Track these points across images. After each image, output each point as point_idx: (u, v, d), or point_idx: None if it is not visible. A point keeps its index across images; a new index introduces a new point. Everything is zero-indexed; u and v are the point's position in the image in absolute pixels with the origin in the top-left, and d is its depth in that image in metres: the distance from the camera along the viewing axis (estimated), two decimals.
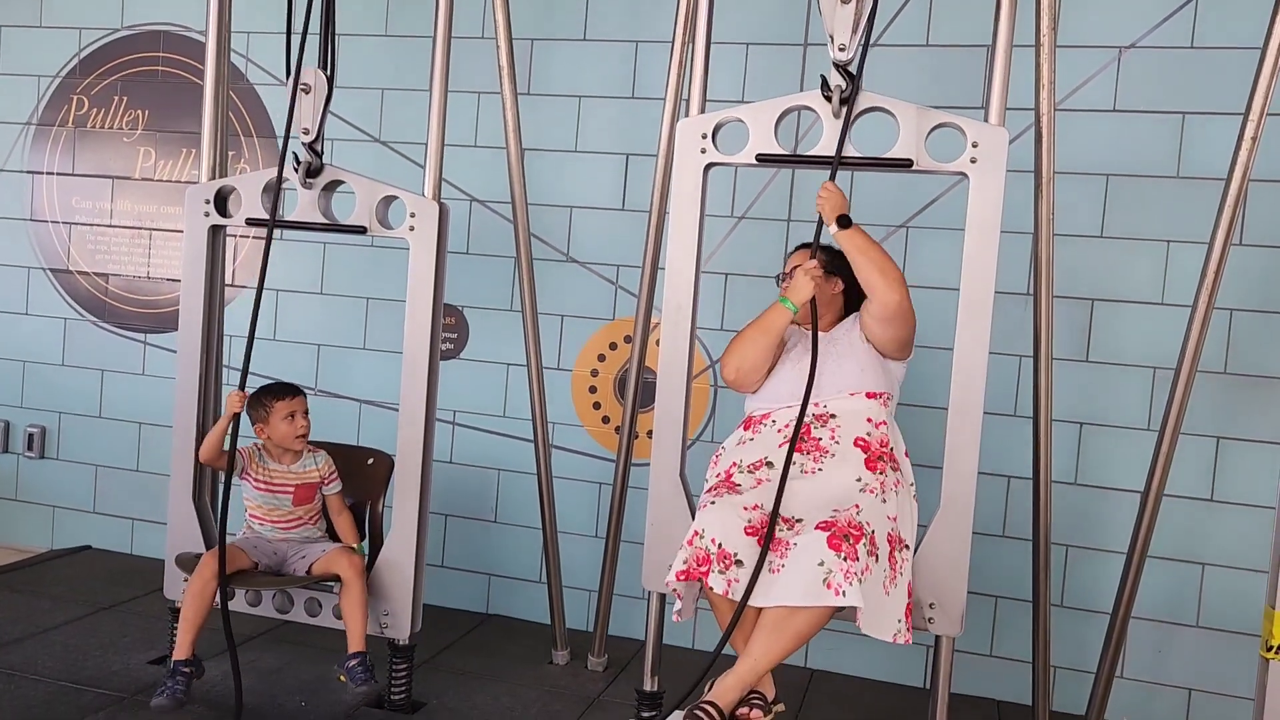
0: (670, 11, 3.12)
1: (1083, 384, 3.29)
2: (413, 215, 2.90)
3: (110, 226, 4.29)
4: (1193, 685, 3.27)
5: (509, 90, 3.28)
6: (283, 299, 4.00)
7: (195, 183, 3.17)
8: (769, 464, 2.52)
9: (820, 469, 2.49)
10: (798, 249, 2.82)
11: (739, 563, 2.32)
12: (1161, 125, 3.22)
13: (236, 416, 2.84)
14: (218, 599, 2.80)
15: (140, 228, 4.25)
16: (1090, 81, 3.27)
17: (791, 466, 2.43)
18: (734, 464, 2.58)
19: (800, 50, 3.49)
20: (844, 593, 2.18)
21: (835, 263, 2.66)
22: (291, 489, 3.02)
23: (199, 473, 3.09)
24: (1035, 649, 2.97)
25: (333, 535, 3.12)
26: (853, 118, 2.51)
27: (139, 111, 4.24)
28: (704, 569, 2.34)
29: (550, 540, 3.42)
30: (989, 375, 2.49)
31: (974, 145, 2.45)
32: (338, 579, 2.86)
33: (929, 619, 2.50)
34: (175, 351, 3.17)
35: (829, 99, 2.53)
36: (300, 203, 2.98)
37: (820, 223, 2.55)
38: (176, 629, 2.83)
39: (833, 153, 2.52)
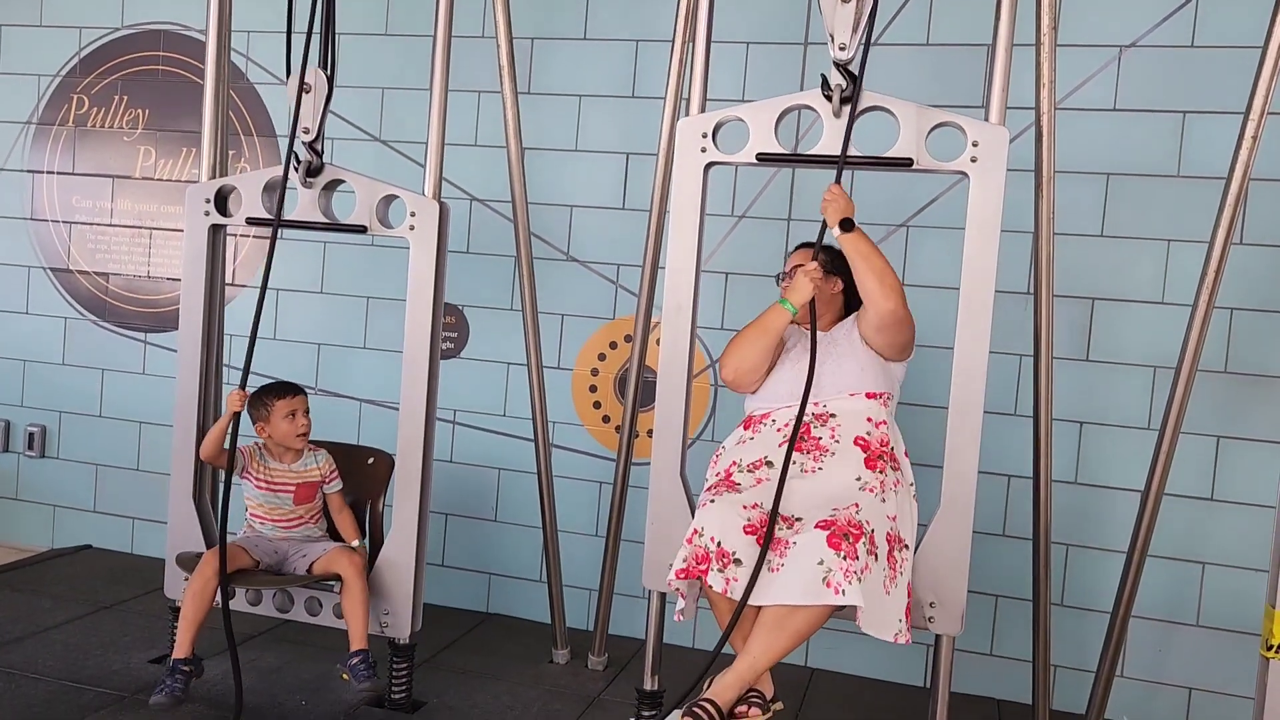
0: (670, 10, 3.12)
1: (1083, 383, 3.29)
2: (413, 214, 2.90)
3: (110, 226, 4.29)
4: (1193, 684, 3.27)
5: (509, 89, 3.28)
6: (283, 298, 4.01)
7: (195, 182, 3.17)
8: (769, 463, 2.52)
9: (820, 468, 2.49)
10: (798, 248, 2.82)
11: (738, 561, 2.32)
12: (1162, 124, 3.22)
13: (237, 415, 2.84)
14: (218, 598, 2.80)
15: (140, 227, 4.25)
16: (1091, 80, 3.27)
17: (791, 465, 2.43)
18: (733, 463, 2.58)
19: (800, 49, 3.49)
20: (844, 591, 2.18)
21: (835, 262, 2.66)
22: (292, 488, 3.02)
23: (199, 472, 3.09)
24: (1035, 648, 2.97)
25: (333, 534, 3.12)
26: (850, 119, 2.51)
27: (139, 110, 4.24)
28: (703, 567, 2.34)
29: (550, 539, 3.42)
30: (989, 374, 2.49)
31: (974, 144, 2.45)
32: (338, 578, 2.86)
33: (929, 618, 2.50)
34: (175, 351, 3.17)
35: (829, 98, 2.53)
36: (301, 202, 2.98)
37: (824, 224, 2.54)
38: (177, 628, 2.83)
39: (832, 151, 2.52)
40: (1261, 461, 3.16)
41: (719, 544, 2.34)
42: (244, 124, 4.09)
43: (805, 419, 2.48)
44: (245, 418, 2.89)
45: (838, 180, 2.50)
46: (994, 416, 3.08)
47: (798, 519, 2.38)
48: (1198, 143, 3.19)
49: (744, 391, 2.71)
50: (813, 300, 2.54)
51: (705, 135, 2.64)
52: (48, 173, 4.35)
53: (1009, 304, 3.22)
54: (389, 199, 2.99)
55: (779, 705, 2.43)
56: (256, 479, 3.00)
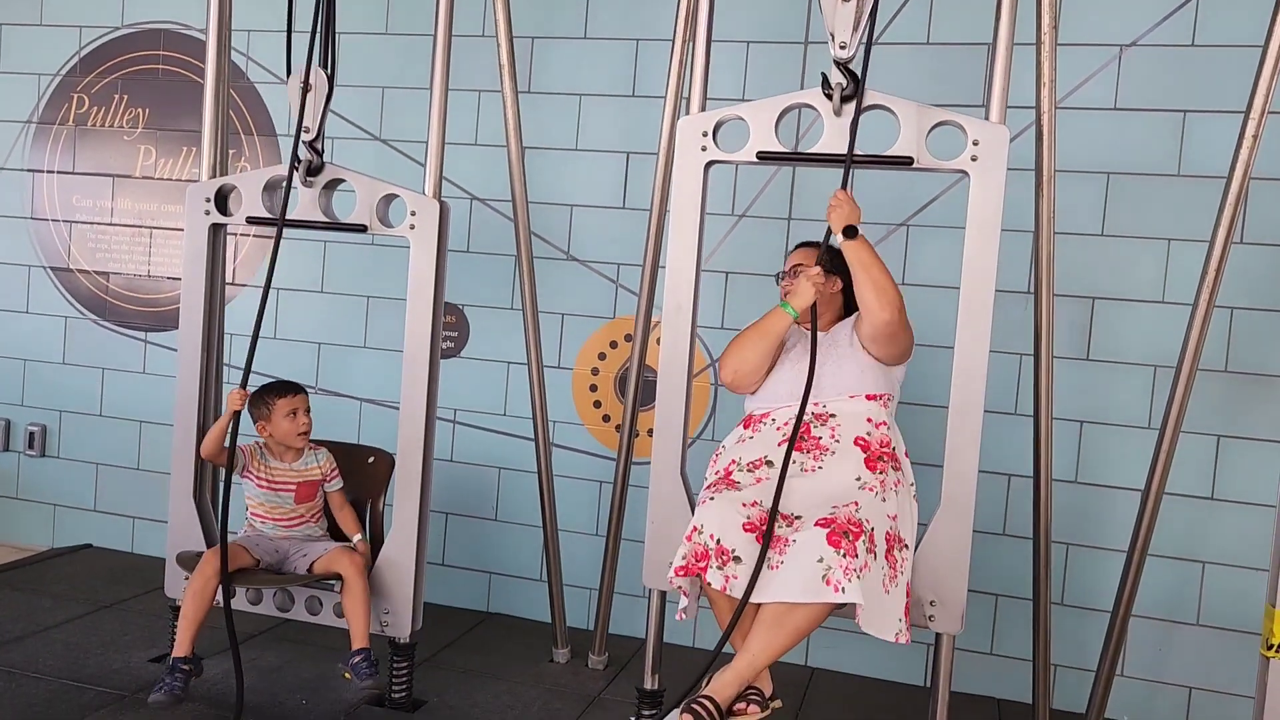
0: (671, 10, 3.12)
1: (1083, 382, 3.29)
2: (413, 214, 2.90)
3: (111, 225, 4.29)
4: (1193, 684, 3.27)
5: (509, 88, 3.28)
6: (283, 298, 4.01)
7: (196, 181, 3.17)
8: (769, 463, 2.52)
9: (820, 467, 2.49)
10: (798, 247, 2.82)
11: (737, 559, 2.32)
12: (1162, 123, 3.22)
13: (237, 414, 2.84)
14: (218, 597, 2.80)
15: (141, 226, 4.25)
16: (1091, 80, 3.27)
17: (791, 464, 2.43)
18: (733, 461, 2.58)
19: (801, 49, 3.49)
20: (843, 589, 2.18)
21: (835, 261, 2.66)
22: (293, 487, 3.02)
23: (199, 471, 3.09)
24: (1036, 647, 2.97)
25: (334, 534, 3.13)
26: (855, 118, 2.50)
27: (139, 110, 4.24)
28: (703, 564, 2.34)
29: (551, 538, 3.42)
30: (989, 373, 2.49)
31: (974, 143, 2.44)
32: (339, 577, 2.86)
33: (929, 616, 2.50)
34: (176, 350, 3.17)
35: (830, 97, 2.52)
36: (301, 201, 2.98)
37: (829, 230, 2.54)
38: (177, 627, 2.83)
39: (832, 150, 2.52)
40: (1262, 461, 3.16)
41: (718, 541, 2.34)
42: (244, 123, 4.09)
43: (805, 419, 2.48)
44: (245, 417, 2.89)
45: (844, 184, 2.49)
46: (994, 416, 3.08)
47: (797, 517, 2.38)
48: (1198, 142, 3.19)
49: (743, 393, 2.71)
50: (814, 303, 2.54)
51: (705, 134, 2.64)
52: (48, 172, 4.35)
53: (1009, 303, 3.22)
54: (389, 198, 2.99)
55: (778, 703, 2.43)
56: (258, 478, 3.00)
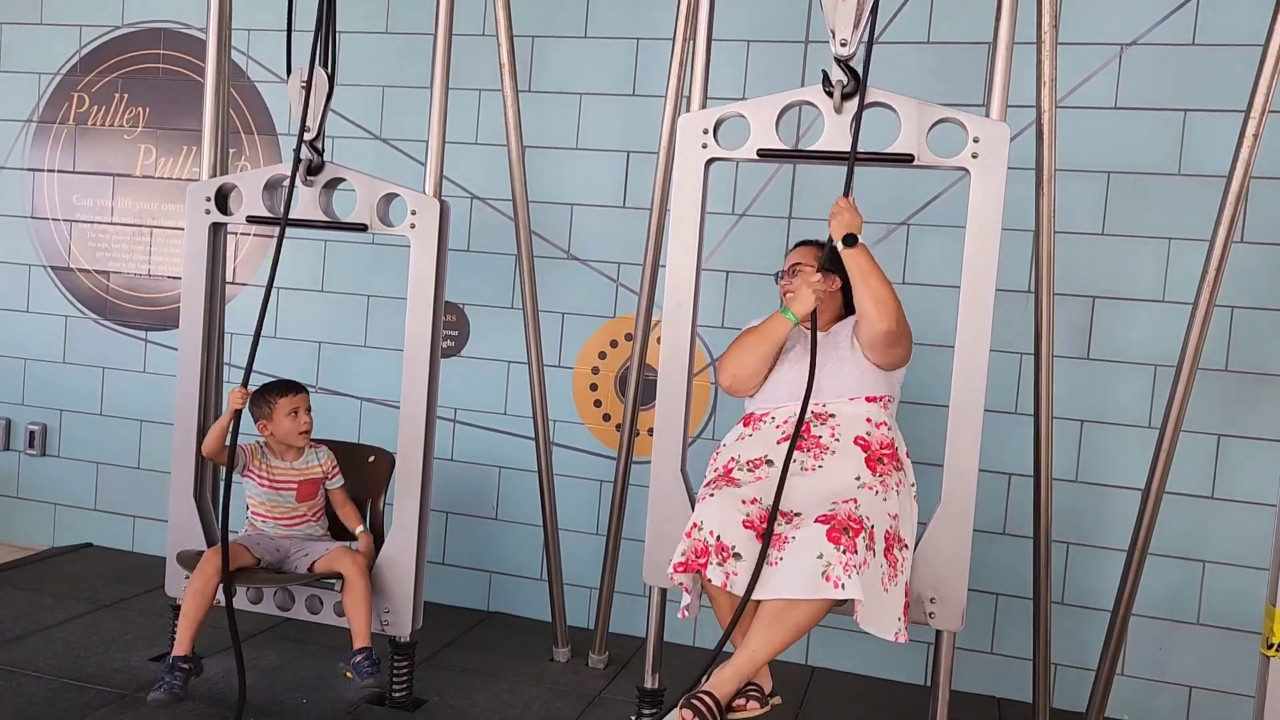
0: (671, 9, 3.12)
1: (1084, 381, 3.29)
2: (413, 213, 2.90)
3: (111, 224, 4.29)
4: (1193, 683, 3.27)
5: (510, 87, 3.28)
6: (284, 297, 4.00)
7: (196, 180, 3.17)
8: (769, 462, 2.52)
9: (820, 465, 2.49)
10: (798, 245, 2.81)
11: (737, 555, 2.32)
12: (1163, 122, 3.22)
13: (239, 413, 2.84)
14: (219, 596, 2.81)
15: (141, 225, 4.25)
16: (1092, 79, 3.26)
17: (790, 464, 2.43)
18: (733, 459, 2.58)
19: (801, 48, 3.49)
20: (843, 585, 2.19)
21: (834, 260, 2.65)
22: (295, 485, 3.02)
23: (200, 470, 3.09)
24: (1036, 646, 2.98)
25: (335, 533, 3.13)
26: (857, 115, 2.50)
27: (140, 109, 4.24)
28: (702, 561, 2.34)
29: (551, 538, 3.42)
30: (990, 373, 2.49)
31: (975, 140, 2.44)
32: (340, 577, 2.86)
33: (929, 613, 2.50)
34: (176, 349, 3.17)
35: (830, 94, 2.52)
36: (301, 200, 2.98)
37: (830, 238, 2.54)
38: (177, 626, 2.83)
39: (833, 147, 2.52)
40: (1262, 460, 3.16)
41: (718, 538, 2.34)
42: (244, 122, 4.09)
43: (805, 419, 2.48)
44: (246, 416, 2.89)
45: (847, 181, 2.48)
46: (995, 415, 3.08)
47: (796, 514, 2.38)
48: (1199, 141, 3.19)
49: (742, 396, 2.71)
50: (815, 271, 2.55)
51: (706, 131, 2.64)
52: (48, 171, 4.35)
53: (1010, 302, 3.22)
54: (389, 197, 2.99)
55: (777, 700, 2.44)
56: (259, 477, 3.00)
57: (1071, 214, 3.23)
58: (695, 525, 2.38)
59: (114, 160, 4.27)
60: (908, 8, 3.38)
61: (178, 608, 2.93)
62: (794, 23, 3.49)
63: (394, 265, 3.76)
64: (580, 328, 3.74)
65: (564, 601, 3.47)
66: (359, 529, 3.05)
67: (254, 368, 2.82)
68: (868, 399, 2.56)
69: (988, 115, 2.50)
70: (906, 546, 2.43)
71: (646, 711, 2.78)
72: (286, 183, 2.92)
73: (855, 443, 2.50)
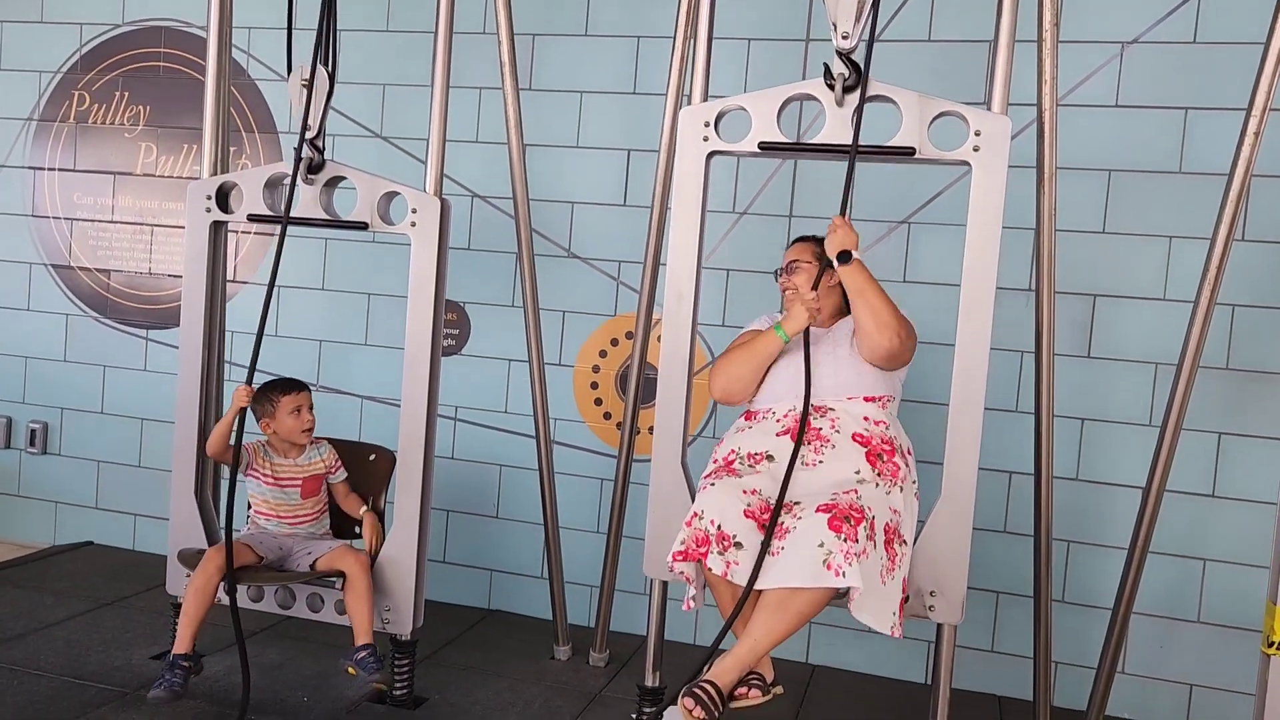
0: (672, 6, 3.12)
1: (1084, 379, 3.29)
2: (414, 211, 2.90)
3: (112, 222, 4.29)
4: (1194, 681, 3.27)
5: (510, 86, 3.28)
6: (285, 295, 4.01)
7: (197, 178, 3.17)
8: (769, 457, 2.53)
9: (820, 460, 2.49)
10: (795, 241, 2.81)
11: (738, 545, 2.33)
12: (1164, 121, 3.22)
13: (243, 411, 2.84)
14: (219, 595, 2.81)
15: (142, 223, 4.26)
16: (1093, 77, 3.26)
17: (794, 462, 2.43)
18: (733, 451, 2.58)
19: (802, 45, 3.48)
20: (844, 573, 2.19)
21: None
22: (299, 482, 3.03)
23: (201, 468, 3.09)
24: (1036, 644, 2.98)
25: (337, 532, 3.14)
26: (859, 107, 2.50)
27: (140, 107, 4.24)
28: (703, 550, 2.34)
29: (552, 536, 3.42)
30: (990, 371, 2.49)
31: (976, 134, 2.44)
32: (342, 575, 2.86)
33: (929, 606, 2.50)
34: (177, 347, 3.17)
35: (832, 88, 2.51)
36: (302, 199, 2.98)
37: (825, 264, 2.55)
38: (178, 624, 2.83)
39: (834, 141, 2.52)
40: (1262, 458, 3.17)
41: (719, 527, 2.34)
42: (245, 120, 4.09)
43: (805, 420, 2.49)
44: (247, 415, 2.89)
45: (849, 169, 2.48)
46: (995, 413, 3.09)
47: (796, 503, 2.38)
48: (1199, 139, 3.18)
49: (734, 406, 2.73)
50: (810, 289, 2.56)
51: (708, 124, 2.63)
52: (49, 169, 4.35)
53: (1010, 300, 3.22)
54: (390, 195, 2.99)
55: (779, 689, 2.44)
56: (263, 475, 3.01)
57: (1072, 212, 3.23)
58: (696, 515, 2.39)
59: (115, 158, 4.27)
60: (909, 6, 3.38)
61: (178, 606, 2.93)
62: (795, 21, 3.49)
63: (395, 263, 3.76)
64: (581, 326, 3.74)
65: (565, 599, 3.47)
66: (362, 509, 3.06)
67: (255, 366, 2.83)
68: (865, 399, 2.56)
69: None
70: (906, 543, 2.43)
71: (647, 709, 2.78)
72: (287, 181, 2.92)
73: (854, 439, 2.50)
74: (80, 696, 2.88)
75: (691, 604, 2.47)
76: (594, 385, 3.75)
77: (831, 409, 2.55)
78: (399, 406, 2.95)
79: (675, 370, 2.68)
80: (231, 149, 3.78)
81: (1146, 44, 3.22)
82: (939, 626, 2.56)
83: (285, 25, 3.02)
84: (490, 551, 3.88)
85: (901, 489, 2.48)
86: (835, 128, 2.54)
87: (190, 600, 2.79)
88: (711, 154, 2.65)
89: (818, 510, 2.27)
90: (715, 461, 2.61)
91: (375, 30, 3.90)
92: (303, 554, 2.94)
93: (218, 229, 3.11)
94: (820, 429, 2.52)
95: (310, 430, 3.03)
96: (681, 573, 2.43)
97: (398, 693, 2.96)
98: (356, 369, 3.98)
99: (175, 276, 4.16)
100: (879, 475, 2.46)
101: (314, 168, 2.96)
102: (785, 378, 2.61)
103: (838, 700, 3.29)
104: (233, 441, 2.85)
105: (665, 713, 2.62)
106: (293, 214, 2.94)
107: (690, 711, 2.22)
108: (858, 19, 2.44)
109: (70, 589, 3.75)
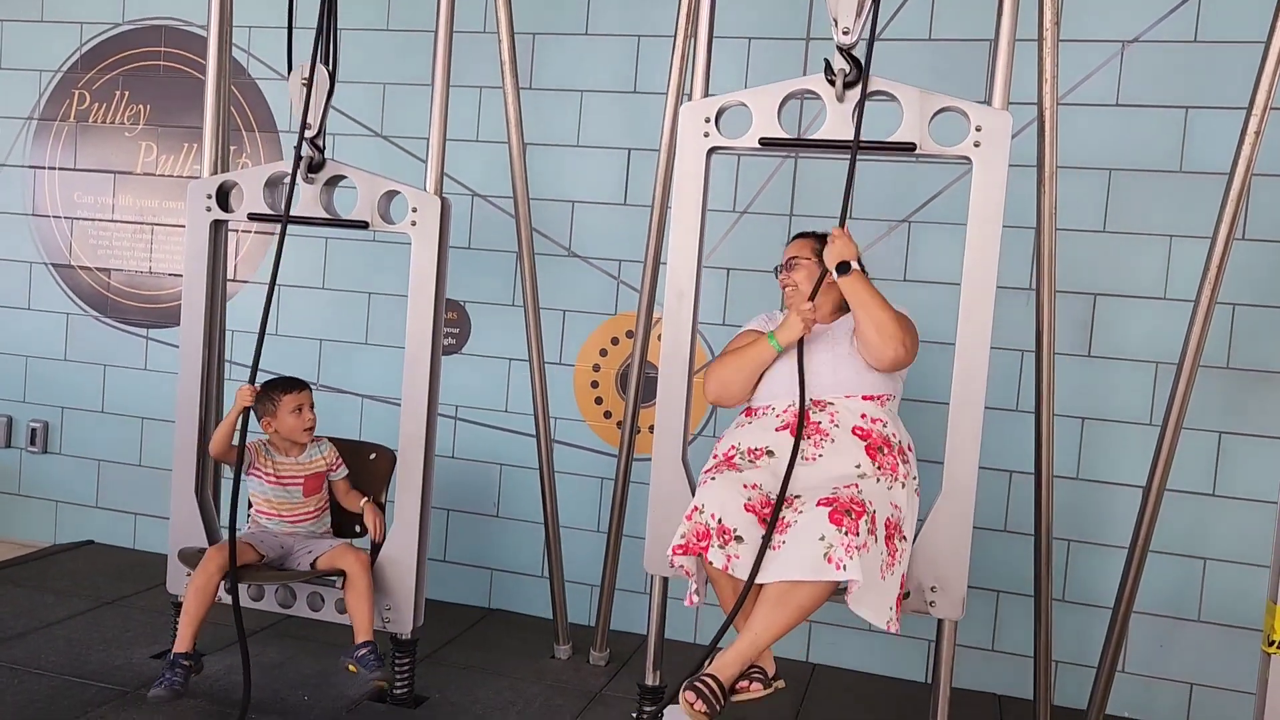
0: (672, 6, 3.11)
1: (1085, 379, 3.29)
2: (414, 210, 2.90)
3: (112, 221, 4.29)
4: (1194, 680, 3.27)
5: (511, 85, 3.28)
6: (285, 294, 4.01)
7: (197, 177, 3.17)
8: (769, 452, 2.53)
9: (820, 455, 2.49)
10: (795, 238, 2.81)
11: (739, 539, 2.33)
12: (1164, 120, 3.22)
13: (248, 410, 2.84)
14: (220, 594, 2.81)
15: (142, 223, 4.25)
16: (1093, 76, 3.26)
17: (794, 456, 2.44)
18: (733, 446, 2.59)
19: (803, 44, 3.48)
20: (844, 567, 2.19)
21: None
22: (301, 480, 3.03)
23: (202, 467, 3.09)
24: (1037, 643, 2.98)
25: (337, 531, 3.14)
26: (860, 102, 2.50)
27: (140, 106, 4.24)
28: (703, 544, 2.35)
29: (552, 535, 3.42)
30: (990, 370, 2.49)
31: (977, 129, 2.44)
32: (342, 573, 2.86)
33: (930, 602, 2.50)
34: (177, 346, 3.17)
35: (833, 83, 2.51)
36: (302, 198, 2.98)
37: (823, 274, 2.56)
38: (178, 623, 2.83)
39: (835, 136, 2.52)
40: (1263, 457, 3.16)
41: (719, 521, 2.35)
42: (245, 119, 4.09)
43: (802, 423, 2.50)
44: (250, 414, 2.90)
45: (851, 164, 2.48)
46: (995, 412, 3.09)
47: (797, 496, 2.38)
48: (1200, 138, 3.18)
49: (729, 408, 2.73)
50: (807, 307, 2.57)
51: (708, 120, 2.63)
52: (49, 168, 4.35)
53: (1011, 299, 3.22)
54: (390, 194, 2.99)
55: (781, 683, 2.44)
56: (265, 474, 3.01)
57: (1073, 211, 3.23)
58: (696, 508, 2.39)
59: (115, 157, 4.27)
60: (909, 5, 3.37)
61: (179, 605, 2.93)
62: (795, 19, 3.48)
63: (395, 262, 3.75)
64: (581, 325, 3.74)
65: (565, 598, 3.47)
66: (362, 501, 3.06)
67: (258, 366, 2.83)
68: (864, 397, 2.56)
69: None
70: (906, 539, 2.44)
71: (647, 708, 2.78)
72: (287, 180, 2.92)
73: (853, 432, 2.51)
74: (81, 695, 2.88)
75: (695, 599, 2.47)
76: (594, 384, 3.75)
77: (831, 403, 2.55)
78: (399, 405, 2.95)
79: (676, 369, 2.68)
80: (232, 148, 3.78)
81: (1147, 43, 3.22)
82: (939, 623, 2.56)
83: (286, 24, 3.02)
84: (490, 551, 3.88)
85: (903, 485, 2.48)
86: (836, 123, 2.54)
87: (191, 599, 2.80)
88: (712, 149, 2.65)
89: (819, 504, 2.28)
90: (715, 457, 2.61)
91: (376, 29, 3.90)
92: (303, 553, 2.95)
93: (218, 228, 3.11)
94: (819, 423, 2.53)
95: (311, 429, 3.03)
96: (681, 566, 2.43)
97: (398, 692, 2.96)
98: (357, 368, 3.98)
99: (176, 275, 4.16)
100: (879, 469, 2.46)
101: (314, 167, 2.96)
102: (784, 376, 2.61)
103: (838, 699, 3.29)
104: (236, 441, 2.86)
105: (665, 711, 2.62)
106: (293, 213, 2.94)
107: (692, 705, 2.22)
108: (858, 15, 2.44)
109: (71, 588, 3.75)
